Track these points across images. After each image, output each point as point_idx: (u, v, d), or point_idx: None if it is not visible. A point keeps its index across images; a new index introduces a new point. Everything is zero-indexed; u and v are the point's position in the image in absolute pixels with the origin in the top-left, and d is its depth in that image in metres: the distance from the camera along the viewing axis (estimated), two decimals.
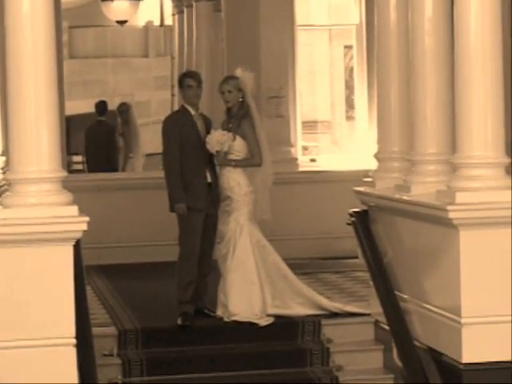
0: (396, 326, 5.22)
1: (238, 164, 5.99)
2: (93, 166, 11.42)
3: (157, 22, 17.09)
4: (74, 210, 4.37)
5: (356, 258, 6.78)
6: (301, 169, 9.53)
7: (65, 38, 13.16)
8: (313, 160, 10.86)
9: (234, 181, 5.97)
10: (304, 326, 5.82)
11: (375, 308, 5.76)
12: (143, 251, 8.36)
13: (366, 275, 6.10)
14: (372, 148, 7.39)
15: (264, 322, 5.65)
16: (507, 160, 4.44)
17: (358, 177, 6.76)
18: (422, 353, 4.97)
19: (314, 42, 14.42)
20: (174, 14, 13.50)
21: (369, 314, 5.96)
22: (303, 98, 11.11)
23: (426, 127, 5.16)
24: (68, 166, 9.82)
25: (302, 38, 11.09)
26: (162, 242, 8.04)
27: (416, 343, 5.06)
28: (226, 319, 5.76)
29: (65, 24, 12.57)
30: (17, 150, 4.33)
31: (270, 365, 5.50)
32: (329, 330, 5.85)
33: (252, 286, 5.81)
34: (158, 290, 7.03)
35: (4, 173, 4.71)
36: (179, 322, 5.76)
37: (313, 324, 5.84)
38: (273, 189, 6.26)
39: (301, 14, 10.82)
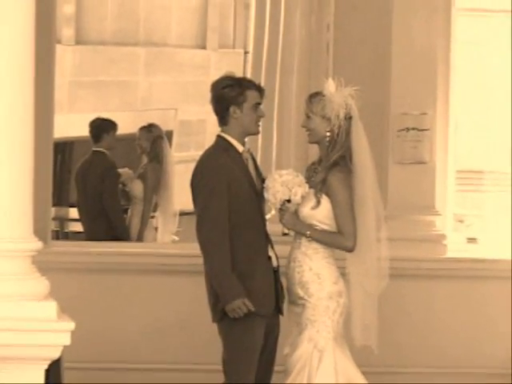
0: None
1: (315, 236, 3.32)
2: (89, 228, 6.21)
3: None
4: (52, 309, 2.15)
5: None
6: (450, 254, 5.16)
7: (70, 10, 10.15)
8: (472, 240, 6.16)
9: (312, 271, 3.33)
10: None
11: None
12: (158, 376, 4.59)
13: None
14: None
15: None
16: None
17: None
18: None
19: (486, 38, 7.49)
20: None
21: None
22: (461, 131, 6.37)
23: None
24: (61, 226, 7.05)
25: (463, 29, 6.16)
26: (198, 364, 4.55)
27: None
28: None
29: None
30: None
31: None
32: None
33: None
34: None
35: None
36: None
37: None
38: (392, 288, 3.46)
39: None
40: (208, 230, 3.34)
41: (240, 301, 3.25)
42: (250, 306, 3.25)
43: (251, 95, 3.39)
